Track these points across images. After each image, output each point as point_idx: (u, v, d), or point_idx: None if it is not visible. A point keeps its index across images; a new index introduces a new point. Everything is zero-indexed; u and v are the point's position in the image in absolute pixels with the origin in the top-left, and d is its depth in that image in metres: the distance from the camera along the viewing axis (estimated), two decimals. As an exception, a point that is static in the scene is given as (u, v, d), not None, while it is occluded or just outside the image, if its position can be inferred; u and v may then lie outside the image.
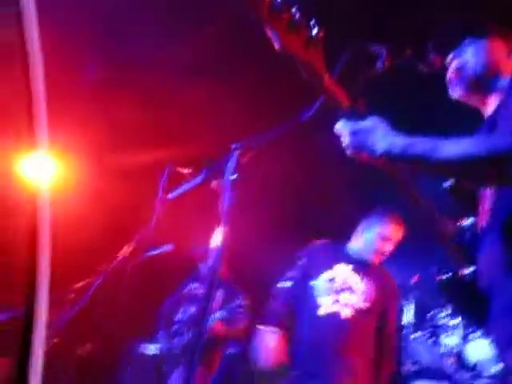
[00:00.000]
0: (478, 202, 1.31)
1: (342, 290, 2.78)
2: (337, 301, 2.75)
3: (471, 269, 1.22)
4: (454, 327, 3.50)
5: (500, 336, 1.14)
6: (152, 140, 4.42)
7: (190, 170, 1.69)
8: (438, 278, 1.32)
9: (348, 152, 1.22)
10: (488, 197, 1.26)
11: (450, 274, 1.27)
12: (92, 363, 5.18)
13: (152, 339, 4.12)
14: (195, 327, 1.11)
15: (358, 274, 2.82)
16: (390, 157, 1.14)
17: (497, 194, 1.22)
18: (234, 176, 1.19)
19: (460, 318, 3.51)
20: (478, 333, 3.35)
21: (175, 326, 3.66)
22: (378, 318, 2.80)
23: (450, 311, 3.57)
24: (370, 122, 1.19)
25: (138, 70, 3.83)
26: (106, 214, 4.86)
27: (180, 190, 1.54)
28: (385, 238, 2.87)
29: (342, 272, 2.84)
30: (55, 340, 1.95)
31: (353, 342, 2.69)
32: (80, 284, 2.27)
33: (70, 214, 4.49)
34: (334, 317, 2.72)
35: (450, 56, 1.41)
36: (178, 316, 3.70)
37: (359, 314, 2.73)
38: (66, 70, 3.60)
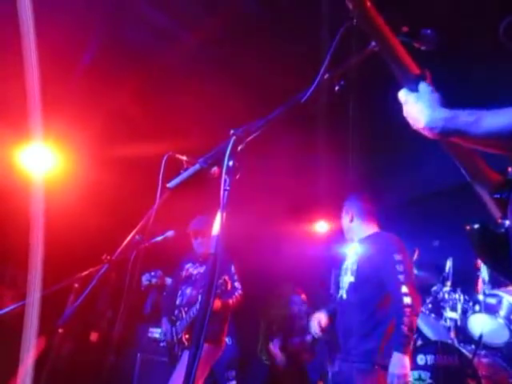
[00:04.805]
0: None
1: (345, 273, 2.85)
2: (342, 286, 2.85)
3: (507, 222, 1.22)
4: (455, 301, 3.53)
5: None
6: (150, 130, 4.38)
7: (188, 158, 1.68)
8: (468, 228, 1.30)
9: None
10: None
11: (483, 225, 1.26)
12: (100, 351, 5.24)
13: (159, 324, 4.14)
14: (200, 308, 1.11)
15: (356, 252, 2.85)
16: (432, 131, 1.14)
17: None
18: (232, 162, 1.19)
19: (460, 293, 3.54)
20: (478, 306, 3.37)
21: (176, 311, 3.66)
22: (375, 285, 2.64)
23: (450, 286, 3.59)
24: (418, 94, 1.19)
25: (136, 59, 3.77)
26: (108, 203, 4.87)
27: (179, 178, 1.54)
28: None
29: (349, 256, 2.90)
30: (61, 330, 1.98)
31: (352, 321, 2.67)
32: (84, 273, 2.29)
33: (72, 204, 4.50)
34: (341, 301, 2.79)
35: None
36: (178, 300, 3.71)
37: (352, 289, 2.72)
38: (64, 59, 3.55)
